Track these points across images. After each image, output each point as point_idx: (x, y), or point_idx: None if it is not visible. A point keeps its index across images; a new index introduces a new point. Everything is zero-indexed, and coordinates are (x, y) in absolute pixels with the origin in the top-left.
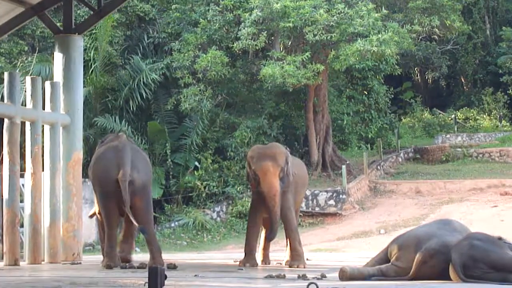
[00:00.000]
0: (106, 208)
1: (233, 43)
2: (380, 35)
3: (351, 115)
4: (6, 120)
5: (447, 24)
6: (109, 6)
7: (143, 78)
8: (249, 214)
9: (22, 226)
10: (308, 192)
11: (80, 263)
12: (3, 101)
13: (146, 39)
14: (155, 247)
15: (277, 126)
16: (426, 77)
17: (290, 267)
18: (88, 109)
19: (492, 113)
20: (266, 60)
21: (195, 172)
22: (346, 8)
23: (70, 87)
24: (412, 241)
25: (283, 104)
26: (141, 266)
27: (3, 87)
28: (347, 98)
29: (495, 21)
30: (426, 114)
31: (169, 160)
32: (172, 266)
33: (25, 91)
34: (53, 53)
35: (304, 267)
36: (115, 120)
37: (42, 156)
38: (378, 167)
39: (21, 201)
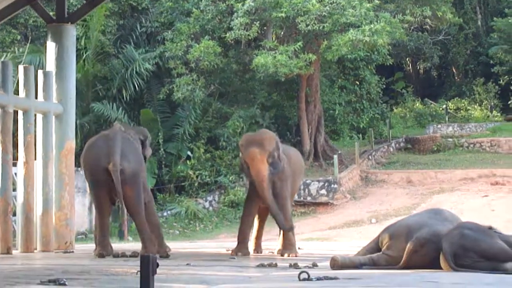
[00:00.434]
0: (97, 196)
1: (226, 33)
2: (372, 25)
3: (343, 105)
4: None
5: (439, 15)
6: None
7: (136, 68)
8: (244, 203)
9: (14, 215)
10: (301, 182)
11: (72, 251)
12: None
13: (139, 28)
14: (147, 236)
15: (270, 116)
16: (418, 68)
17: (282, 256)
18: (80, 98)
19: (483, 103)
20: (258, 50)
21: (188, 161)
22: None
23: (62, 76)
24: (403, 230)
25: (276, 94)
26: (133, 254)
27: None
28: (339, 88)
29: (486, 11)
30: (417, 104)
31: (162, 149)
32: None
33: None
34: (46, 43)
35: (296, 256)
36: (112, 107)
37: (35, 145)
38: (370, 157)
39: (14, 190)
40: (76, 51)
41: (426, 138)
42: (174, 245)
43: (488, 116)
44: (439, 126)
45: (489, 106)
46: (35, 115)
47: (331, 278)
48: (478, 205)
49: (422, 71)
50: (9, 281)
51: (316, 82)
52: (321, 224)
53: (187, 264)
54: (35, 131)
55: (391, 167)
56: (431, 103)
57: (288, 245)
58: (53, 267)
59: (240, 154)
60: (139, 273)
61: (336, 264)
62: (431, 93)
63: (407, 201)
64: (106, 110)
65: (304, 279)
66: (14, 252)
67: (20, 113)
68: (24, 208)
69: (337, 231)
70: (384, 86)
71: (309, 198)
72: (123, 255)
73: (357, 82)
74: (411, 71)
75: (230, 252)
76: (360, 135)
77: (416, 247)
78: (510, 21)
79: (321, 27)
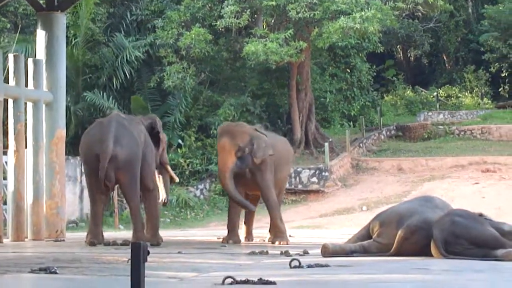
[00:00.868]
0: (90, 184)
1: (216, 21)
2: (363, 13)
3: (333, 93)
4: None
5: (430, 1)
6: None
7: (126, 56)
8: None
9: (5, 203)
10: (291, 170)
11: (63, 240)
12: None
13: (129, 16)
14: (139, 224)
15: (260, 104)
16: (409, 55)
17: (273, 243)
18: (71, 87)
19: (474, 90)
20: (249, 38)
21: (179, 149)
22: None
23: (53, 64)
24: (394, 218)
25: (266, 82)
26: (125, 243)
27: None
28: (330, 76)
29: None
30: (408, 92)
31: None
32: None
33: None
34: (36, 31)
35: (287, 244)
36: (103, 96)
37: (25, 133)
38: (361, 145)
39: (4, 178)
40: (66, 39)
41: (417, 125)
42: (165, 233)
43: (479, 104)
44: (429, 113)
45: (480, 94)
46: (25, 103)
47: (322, 266)
48: (468, 192)
49: (412, 58)
50: (0, 269)
51: (307, 70)
52: (312, 212)
53: (178, 252)
54: (25, 120)
55: (382, 155)
56: (421, 91)
57: (278, 233)
58: (44, 256)
59: None
60: (130, 261)
61: (327, 251)
62: (422, 81)
63: (398, 189)
64: (97, 99)
65: (295, 267)
66: (5, 240)
67: (10, 101)
68: (14, 197)
69: (328, 218)
70: (375, 73)
71: (300, 186)
72: (114, 243)
73: (348, 70)
74: (402, 58)
75: (221, 240)
76: (351, 123)
77: (407, 235)
78: (500, 8)
79: (311, 15)
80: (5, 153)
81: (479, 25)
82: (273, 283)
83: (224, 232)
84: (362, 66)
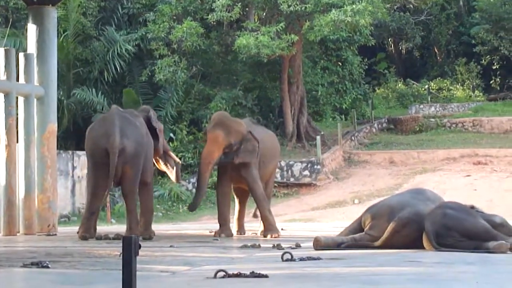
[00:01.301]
0: (95, 177)
1: (208, 15)
2: (354, 6)
3: (325, 86)
4: None
5: None
6: None
7: (117, 49)
8: (216, 186)
9: None
10: (283, 163)
11: (55, 234)
12: None
13: (120, 10)
14: (134, 218)
15: (252, 97)
16: (400, 48)
17: (265, 237)
18: (62, 81)
19: (465, 83)
20: (240, 31)
21: (170, 143)
22: None
23: (44, 58)
24: (385, 211)
25: (258, 75)
26: (117, 237)
27: None
28: (321, 69)
29: None
30: (399, 85)
31: None
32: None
33: None
34: (26, 26)
35: (278, 236)
36: (92, 92)
37: (17, 128)
38: (352, 138)
39: None
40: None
41: (409, 118)
42: (157, 227)
43: (470, 96)
44: (421, 106)
45: (471, 86)
46: (17, 97)
47: (314, 259)
48: (460, 185)
49: (404, 51)
50: None
51: (299, 63)
52: (304, 205)
53: (170, 246)
54: (16, 114)
55: (373, 148)
56: (413, 84)
57: (268, 226)
58: (36, 250)
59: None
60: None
61: (319, 244)
62: (413, 74)
63: (389, 182)
64: (87, 95)
65: (287, 260)
66: None
67: (1, 95)
68: (6, 191)
69: (320, 211)
70: (367, 66)
71: (292, 179)
72: (106, 237)
73: (340, 63)
74: (393, 51)
75: (213, 233)
76: (343, 116)
77: (398, 227)
78: (492, 0)
79: (303, 8)
80: None
81: (470, 17)
82: (265, 276)
83: (216, 225)
84: (354, 59)
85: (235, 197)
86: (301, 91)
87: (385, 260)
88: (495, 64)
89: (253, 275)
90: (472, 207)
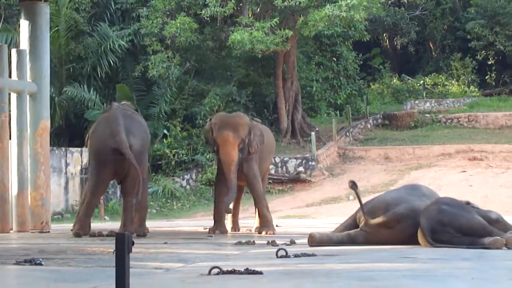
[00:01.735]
0: (99, 175)
1: (202, 10)
2: (349, 0)
3: (320, 82)
4: None
5: None
6: None
7: (109, 44)
8: (215, 183)
9: None
10: (277, 159)
11: (48, 231)
12: None
13: (113, 5)
14: (130, 216)
15: (246, 93)
16: (395, 43)
17: (259, 233)
18: (55, 77)
19: (461, 78)
20: (234, 27)
21: (164, 140)
22: None
23: (36, 54)
24: (380, 207)
25: (252, 71)
26: (110, 234)
27: None
28: (316, 65)
29: None
30: (394, 80)
31: None
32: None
33: None
34: (19, 22)
35: (274, 233)
36: (83, 89)
37: (9, 124)
38: (347, 134)
39: None
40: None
41: (404, 114)
42: (151, 224)
43: (466, 92)
44: (416, 102)
45: (467, 82)
46: (9, 94)
47: (309, 255)
48: (456, 181)
49: (399, 46)
50: None
51: (293, 59)
52: (298, 201)
53: (164, 243)
54: (9, 111)
55: (368, 144)
56: (408, 79)
57: (265, 222)
58: (29, 247)
59: (209, 131)
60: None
61: (314, 241)
62: (408, 69)
63: (384, 178)
64: (78, 92)
65: (282, 256)
66: None
67: None
68: None
69: (315, 208)
70: (361, 62)
71: (286, 176)
72: (99, 234)
73: (334, 59)
74: (388, 47)
75: (207, 230)
76: (338, 112)
77: (391, 222)
78: None
79: (297, 3)
80: None
81: (466, 12)
82: (260, 273)
83: (210, 222)
84: (348, 54)
85: None
86: (295, 87)
87: (380, 256)
88: (490, 59)
89: (248, 271)
90: (468, 203)
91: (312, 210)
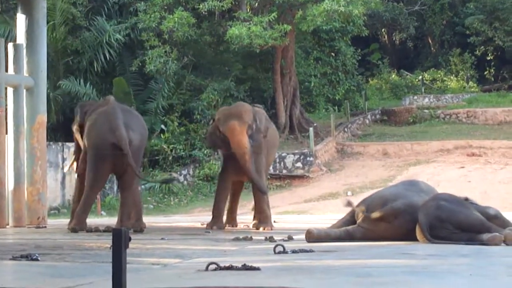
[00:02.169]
0: (98, 170)
1: (199, 4)
2: None
3: (318, 77)
4: None
5: None
6: None
7: (106, 38)
8: (219, 178)
9: None
10: (275, 155)
11: (45, 227)
12: None
13: None
14: (127, 211)
15: (244, 88)
16: (394, 39)
17: (257, 229)
18: (52, 72)
19: (460, 74)
20: (232, 21)
21: (162, 135)
22: None
23: (33, 49)
24: (379, 202)
25: (250, 66)
26: (107, 229)
27: None
28: (314, 60)
29: None
30: (393, 76)
31: None
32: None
33: None
34: (15, 16)
35: (271, 229)
36: (79, 83)
37: (6, 119)
38: (346, 129)
39: None
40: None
41: (402, 109)
42: (148, 220)
43: (464, 87)
44: (415, 97)
45: (465, 77)
46: (6, 88)
47: (306, 251)
48: (454, 177)
49: (398, 42)
50: None
51: (291, 54)
52: (296, 197)
53: (162, 239)
54: (6, 105)
55: (367, 139)
56: (407, 74)
57: (263, 219)
58: (26, 242)
59: (216, 129)
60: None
61: (312, 237)
62: (407, 64)
63: (383, 173)
64: (73, 86)
65: (279, 252)
66: None
67: None
68: None
69: (313, 204)
70: (360, 57)
71: (284, 171)
72: (96, 229)
73: (333, 54)
74: (386, 42)
75: (205, 226)
76: (336, 107)
77: (388, 216)
78: None
79: None
80: None
81: (465, 8)
82: (257, 268)
83: (208, 218)
84: (347, 50)
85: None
86: (293, 82)
87: (378, 252)
88: (489, 54)
89: (245, 267)
90: (466, 199)
91: (310, 206)
